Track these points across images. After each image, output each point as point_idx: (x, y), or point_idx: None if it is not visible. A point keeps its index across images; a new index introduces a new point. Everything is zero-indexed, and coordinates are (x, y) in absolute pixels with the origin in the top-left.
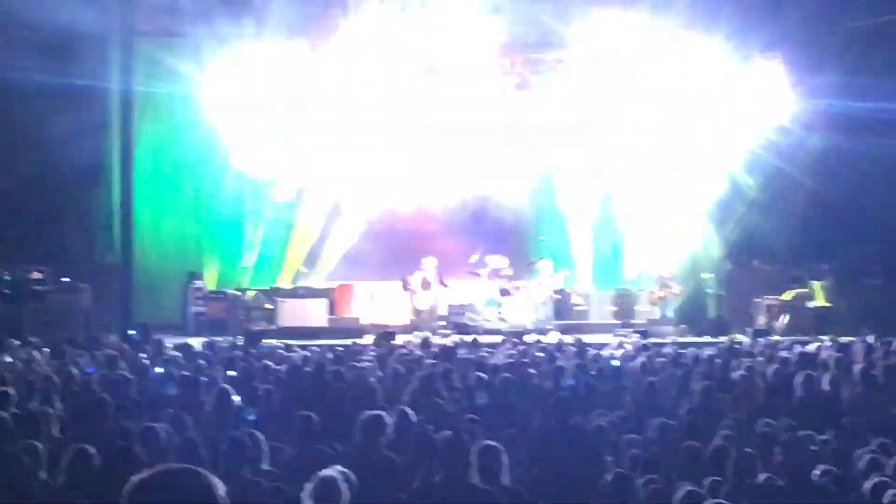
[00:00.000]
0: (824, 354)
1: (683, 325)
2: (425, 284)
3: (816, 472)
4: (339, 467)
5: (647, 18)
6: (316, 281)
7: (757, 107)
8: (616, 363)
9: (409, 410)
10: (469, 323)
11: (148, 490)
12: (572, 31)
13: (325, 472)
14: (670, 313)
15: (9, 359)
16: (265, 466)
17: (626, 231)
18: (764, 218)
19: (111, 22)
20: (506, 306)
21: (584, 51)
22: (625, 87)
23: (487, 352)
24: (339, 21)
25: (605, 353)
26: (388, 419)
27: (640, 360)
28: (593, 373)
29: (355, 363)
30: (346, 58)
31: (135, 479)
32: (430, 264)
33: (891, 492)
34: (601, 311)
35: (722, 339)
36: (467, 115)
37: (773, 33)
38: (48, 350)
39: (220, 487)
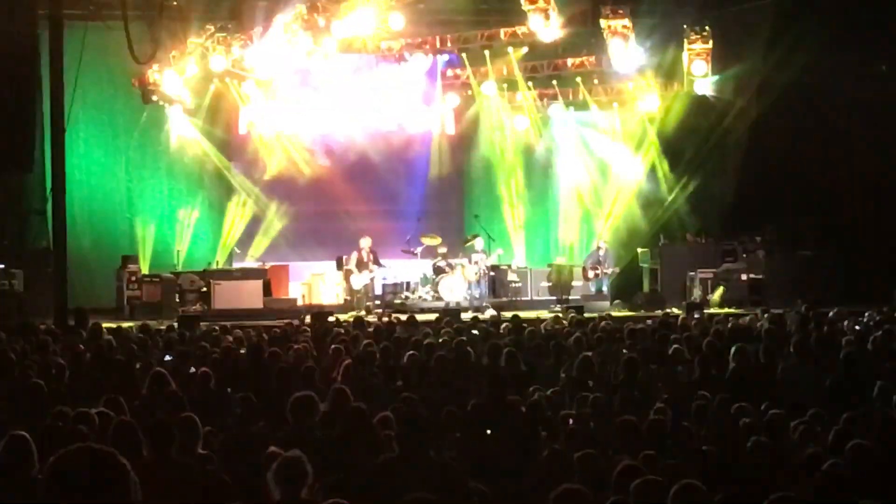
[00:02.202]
0: (758, 326)
1: (618, 300)
2: (360, 264)
3: (749, 444)
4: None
5: None
6: (250, 262)
7: (685, 80)
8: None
9: (346, 389)
10: (404, 302)
11: (64, 468)
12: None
13: (290, 452)
14: (605, 289)
15: None
16: (200, 450)
17: (560, 207)
18: (696, 192)
19: (40, 8)
20: (441, 284)
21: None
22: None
23: (424, 331)
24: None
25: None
26: (319, 400)
27: (576, 335)
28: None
29: (292, 344)
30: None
31: (52, 458)
32: (364, 244)
33: (826, 461)
34: (537, 287)
35: (657, 312)
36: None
37: (700, 7)
38: None
39: (130, 471)
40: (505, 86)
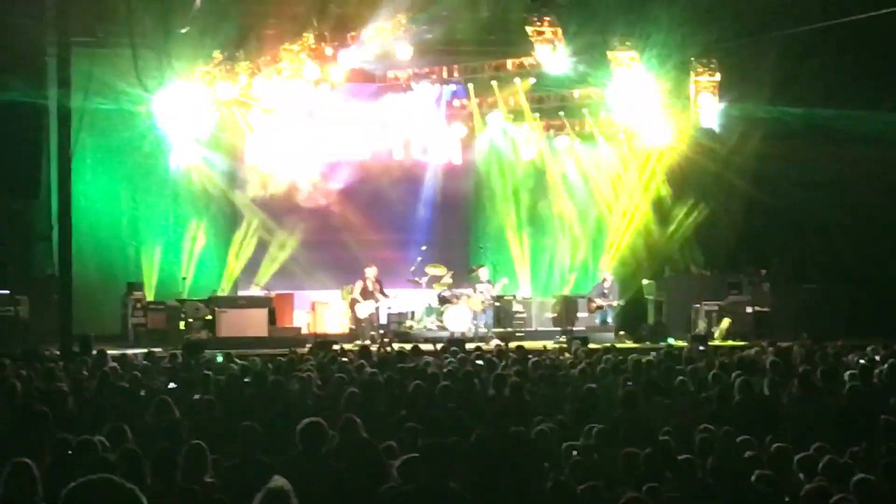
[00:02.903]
0: (763, 359)
1: (623, 332)
2: (365, 293)
3: (754, 477)
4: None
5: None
6: (255, 291)
7: (692, 113)
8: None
9: (355, 418)
10: (409, 331)
11: (77, 500)
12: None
13: (274, 482)
14: (610, 320)
15: None
16: (208, 479)
17: (566, 238)
18: (702, 224)
19: (48, 36)
20: (446, 314)
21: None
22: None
23: (428, 360)
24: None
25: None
26: (328, 426)
27: (580, 366)
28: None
29: (296, 373)
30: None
31: (65, 490)
32: (370, 273)
33: (831, 495)
34: (541, 318)
35: (661, 344)
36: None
37: (708, 40)
38: None
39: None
40: (511, 116)
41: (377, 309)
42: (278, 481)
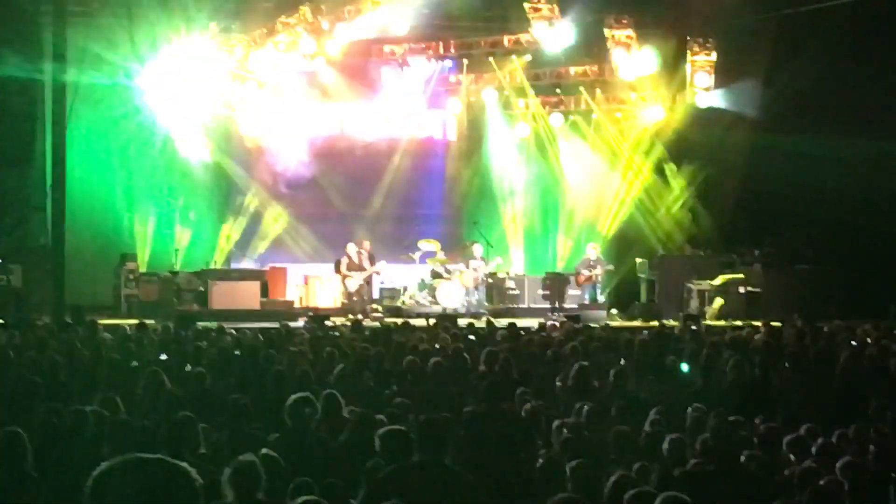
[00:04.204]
0: (755, 339)
1: (615, 310)
2: (352, 266)
3: (744, 457)
4: (267, 450)
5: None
6: (248, 263)
7: (688, 91)
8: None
9: (336, 394)
10: (401, 306)
11: (114, 480)
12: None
13: (244, 456)
14: (600, 296)
15: None
16: (202, 450)
17: (560, 215)
18: (696, 204)
19: (43, 7)
20: (438, 290)
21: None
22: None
23: (420, 336)
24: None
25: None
26: (316, 401)
27: (572, 344)
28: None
29: (288, 346)
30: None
31: (99, 468)
32: (351, 249)
33: (820, 476)
34: (533, 295)
35: (653, 323)
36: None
37: (707, 16)
38: None
39: (194, 473)
40: (507, 93)
41: (369, 282)
42: (247, 456)
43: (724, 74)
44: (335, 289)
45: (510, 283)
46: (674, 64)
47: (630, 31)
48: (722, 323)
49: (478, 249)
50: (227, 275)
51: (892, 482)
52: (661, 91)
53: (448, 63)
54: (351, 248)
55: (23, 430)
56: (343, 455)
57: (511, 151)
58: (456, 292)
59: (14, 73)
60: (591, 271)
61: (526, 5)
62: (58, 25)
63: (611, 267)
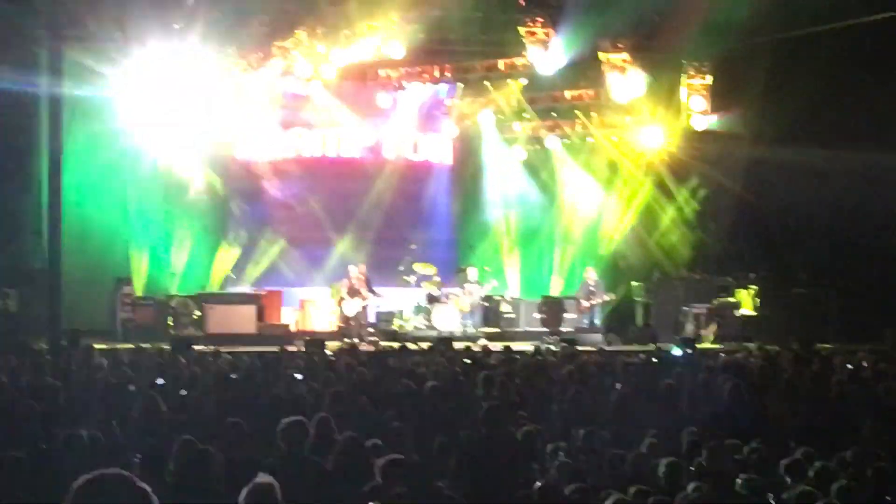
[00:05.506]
0: (750, 363)
1: (611, 334)
2: (354, 291)
3: (739, 480)
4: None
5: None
6: (244, 287)
7: (683, 115)
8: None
9: (329, 418)
10: (397, 330)
11: (85, 495)
12: None
13: (261, 478)
14: (598, 320)
15: None
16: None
17: (555, 238)
18: (692, 228)
19: (39, 26)
20: (434, 313)
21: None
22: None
23: (416, 360)
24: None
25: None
26: (310, 425)
27: (568, 367)
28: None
29: (284, 370)
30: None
31: (74, 484)
32: (353, 272)
33: (815, 500)
34: (529, 318)
35: (649, 347)
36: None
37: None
38: None
39: (152, 495)
40: (503, 116)
41: (365, 307)
42: (265, 477)
43: (720, 98)
44: (331, 312)
45: (506, 307)
46: (669, 87)
47: (625, 55)
48: (717, 346)
49: (472, 273)
50: (223, 298)
51: None
52: (656, 115)
53: (444, 87)
54: (352, 271)
55: (19, 454)
56: (334, 479)
57: (507, 175)
58: (452, 316)
59: (8, 89)
60: (589, 301)
61: (521, 29)
62: (54, 47)
63: (609, 297)
